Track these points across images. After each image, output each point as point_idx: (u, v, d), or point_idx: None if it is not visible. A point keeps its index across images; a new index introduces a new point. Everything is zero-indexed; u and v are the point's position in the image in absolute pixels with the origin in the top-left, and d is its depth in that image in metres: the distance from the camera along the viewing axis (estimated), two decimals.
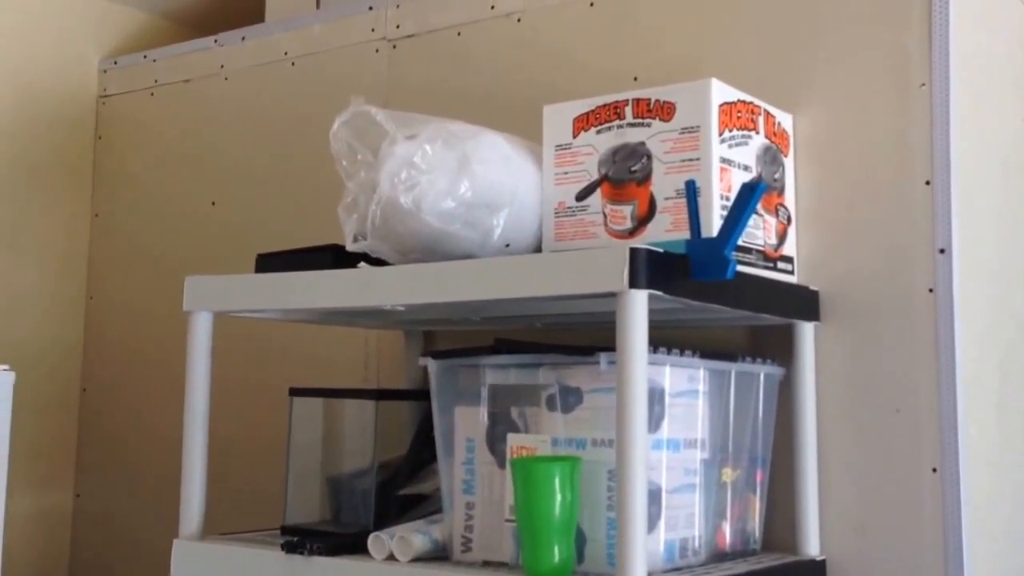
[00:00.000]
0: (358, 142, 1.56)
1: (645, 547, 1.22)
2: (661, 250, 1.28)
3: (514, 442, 1.42)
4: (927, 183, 1.52)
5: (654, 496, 1.34)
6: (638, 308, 1.24)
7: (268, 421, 2.07)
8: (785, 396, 1.57)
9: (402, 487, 1.68)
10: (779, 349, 1.58)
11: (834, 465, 1.55)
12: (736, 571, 1.42)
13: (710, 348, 1.49)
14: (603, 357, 1.34)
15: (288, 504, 1.73)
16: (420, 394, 1.81)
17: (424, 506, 1.64)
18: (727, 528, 1.49)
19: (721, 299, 1.37)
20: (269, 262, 1.69)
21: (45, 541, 2.51)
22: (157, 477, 2.36)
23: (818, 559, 1.53)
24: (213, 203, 2.36)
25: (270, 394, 2.08)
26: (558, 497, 1.28)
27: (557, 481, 1.29)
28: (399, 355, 2.00)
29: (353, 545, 1.49)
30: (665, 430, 1.38)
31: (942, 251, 1.49)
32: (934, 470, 1.47)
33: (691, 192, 1.35)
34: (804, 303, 1.56)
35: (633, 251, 1.24)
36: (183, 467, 1.63)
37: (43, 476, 2.52)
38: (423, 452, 1.72)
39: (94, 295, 2.60)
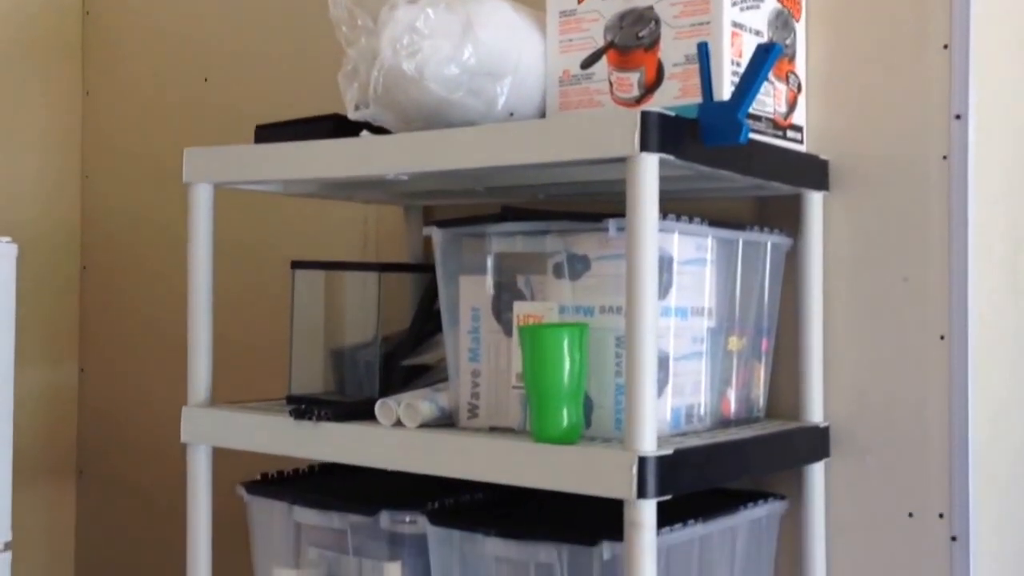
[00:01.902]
0: (358, 7, 1.51)
1: (654, 412, 1.23)
2: (673, 114, 1.25)
3: (520, 310, 1.42)
4: (944, 47, 1.48)
5: (661, 363, 1.34)
6: (649, 173, 1.22)
7: (270, 297, 2.06)
8: (792, 266, 1.57)
9: (405, 358, 1.68)
10: (787, 220, 1.57)
11: (839, 333, 1.55)
12: (741, 436, 1.43)
13: (718, 219, 1.47)
14: (612, 223, 1.33)
15: (293, 375, 1.74)
16: (423, 267, 1.80)
17: (428, 377, 1.65)
18: (732, 395, 1.50)
19: (732, 165, 1.35)
20: (268, 133, 1.66)
21: (52, 416, 2.54)
22: (162, 350, 2.37)
23: (822, 426, 1.55)
24: (206, 79, 2.31)
25: (271, 270, 2.07)
26: (566, 362, 1.28)
27: (565, 346, 1.29)
28: (399, 233, 1.99)
29: (360, 412, 1.50)
30: (673, 298, 1.38)
31: (958, 117, 1.47)
32: (941, 337, 1.47)
33: (703, 55, 1.31)
34: (814, 172, 1.54)
35: (644, 114, 1.22)
36: (189, 337, 1.63)
37: (48, 353, 2.53)
38: (426, 324, 1.72)
39: (89, 174, 2.57)
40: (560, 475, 1.27)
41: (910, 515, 1.50)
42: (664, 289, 1.36)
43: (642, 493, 1.20)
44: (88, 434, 2.58)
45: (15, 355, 1.96)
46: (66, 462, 2.57)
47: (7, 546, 1.89)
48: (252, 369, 2.05)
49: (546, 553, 1.36)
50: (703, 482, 1.35)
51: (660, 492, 1.21)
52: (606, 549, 1.30)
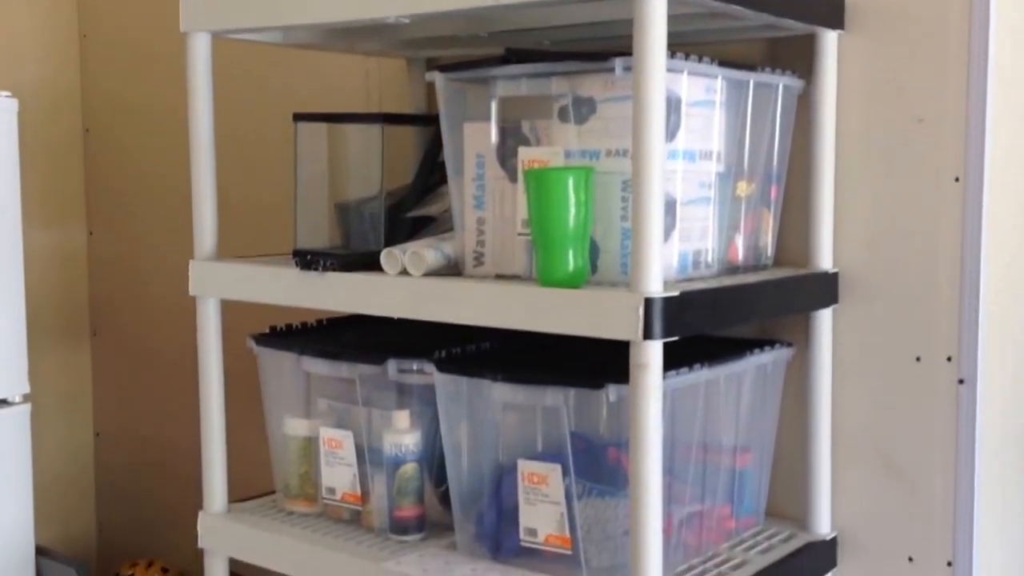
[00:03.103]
0: None
1: (660, 256, 1.21)
2: None
3: (526, 155, 1.39)
4: None
5: (669, 207, 1.32)
6: (656, 7, 1.18)
7: (274, 152, 2.04)
8: (804, 109, 1.53)
9: (410, 210, 1.67)
10: (799, 62, 1.53)
11: (851, 178, 1.52)
12: (748, 281, 1.42)
13: (728, 61, 1.43)
14: (618, 63, 1.29)
15: (298, 230, 1.72)
16: (426, 119, 1.77)
17: (433, 228, 1.63)
18: (740, 242, 1.48)
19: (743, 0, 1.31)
20: None
21: (63, 278, 2.55)
22: (167, 209, 2.36)
23: (831, 272, 1.53)
24: None
25: (274, 124, 2.04)
26: (572, 205, 1.27)
27: (571, 189, 1.26)
28: (402, 85, 1.95)
29: (366, 262, 1.49)
30: (681, 140, 1.35)
31: None
32: (956, 180, 1.45)
33: None
34: (829, 8, 1.49)
35: None
36: (193, 191, 1.62)
37: (55, 215, 2.53)
38: (430, 176, 1.70)
39: (87, 33, 2.52)
40: (566, 318, 1.27)
41: (917, 359, 1.49)
42: (672, 131, 1.33)
43: (648, 334, 1.19)
44: (100, 295, 2.59)
45: (23, 217, 1.96)
46: (80, 323, 2.59)
47: (25, 398, 1.93)
48: (258, 227, 2.04)
49: (552, 397, 1.36)
50: (709, 325, 1.34)
51: (666, 333, 1.20)
52: (612, 392, 1.30)
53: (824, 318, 1.53)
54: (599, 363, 1.34)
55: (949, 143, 1.45)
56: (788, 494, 1.60)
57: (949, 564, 1.48)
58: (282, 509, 1.68)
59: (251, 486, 1.75)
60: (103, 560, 2.57)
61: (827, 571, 1.56)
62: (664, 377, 1.23)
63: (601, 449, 1.39)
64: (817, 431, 1.55)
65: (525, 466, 1.40)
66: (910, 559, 1.52)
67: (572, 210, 1.27)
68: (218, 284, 1.63)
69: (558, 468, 1.38)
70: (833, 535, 1.56)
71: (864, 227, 1.52)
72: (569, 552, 1.38)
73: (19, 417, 1.92)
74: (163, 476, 2.48)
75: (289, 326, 1.74)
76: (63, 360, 2.55)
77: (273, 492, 1.73)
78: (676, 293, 1.23)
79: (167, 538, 2.44)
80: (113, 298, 2.57)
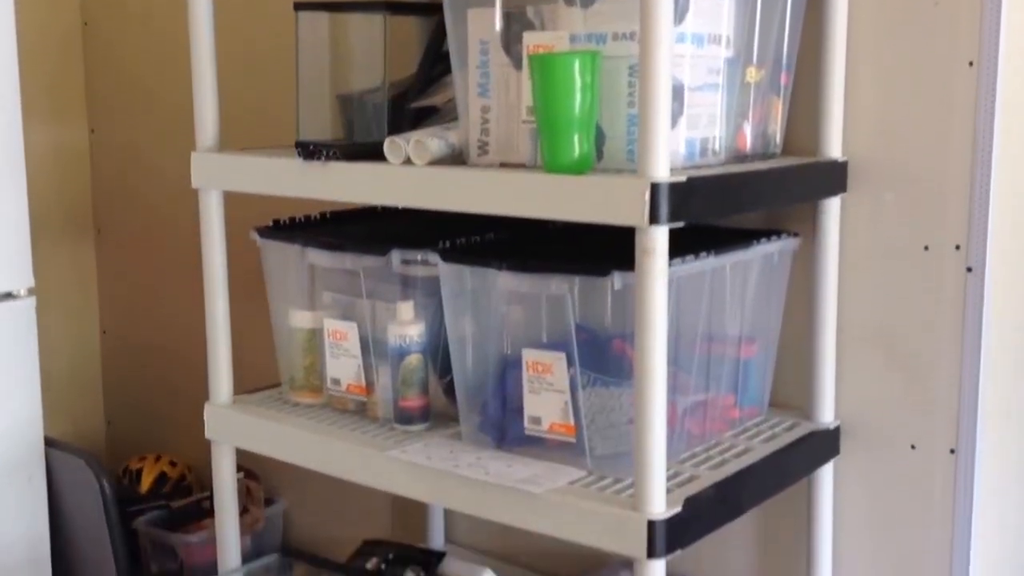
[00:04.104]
0: None
1: (667, 141, 1.19)
2: None
3: (530, 40, 1.36)
4: None
5: (676, 92, 1.30)
6: None
7: (275, 42, 2.00)
8: None
9: (414, 101, 1.64)
10: None
11: (863, 64, 1.49)
12: (756, 168, 1.40)
13: None
14: None
15: (300, 122, 1.70)
16: (430, 7, 1.72)
17: (436, 119, 1.61)
18: (748, 130, 1.46)
19: None
20: None
21: (66, 176, 2.54)
22: (167, 107, 2.33)
23: (840, 160, 1.51)
24: None
25: (274, 15, 2.00)
26: (577, 90, 1.24)
27: (576, 73, 1.24)
28: None
29: (369, 151, 1.47)
30: (689, 23, 1.32)
31: None
32: (970, 64, 1.41)
33: None
34: None
35: None
36: (194, 82, 1.60)
37: (56, 111, 2.50)
38: (434, 67, 1.67)
39: None
40: (572, 205, 1.26)
41: (926, 248, 1.48)
42: (680, 14, 1.29)
43: (654, 219, 1.18)
44: (102, 193, 2.58)
45: (23, 112, 1.94)
46: (83, 221, 2.59)
47: (30, 292, 1.93)
48: (260, 122, 2.02)
49: (557, 285, 1.35)
50: (716, 211, 1.33)
51: (672, 219, 1.19)
52: (617, 279, 1.29)
53: (832, 207, 1.52)
54: (604, 254, 1.33)
55: (964, 27, 1.42)
56: (792, 384, 1.60)
57: (952, 451, 1.49)
58: (287, 401, 1.69)
59: (256, 381, 1.76)
60: (112, 455, 2.61)
61: (829, 459, 1.57)
62: (670, 265, 1.22)
63: (605, 340, 1.39)
64: (822, 321, 1.54)
65: (529, 355, 1.40)
66: (912, 447, 1.53)
67: (577, 95, 1.24)
68: (220, 176, 1.61)
69: (562, 357, 1.38)
70: (836, 424, 1.57)
71: (875, 114, 1.50)
72: (573, 440, 1.39)
73: (25, 310, 1.93)
74: (170, 372, 2.49)
75: (292, 219, 1.73)
76: (67, 258, 2.55)
77: (278, 385, 1.74)
78: (683, 179, 1.21)
79: (175, 433, 2.46)
80: (116, 196, 2.56)
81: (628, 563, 1.70)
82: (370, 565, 1.75)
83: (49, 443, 2.00)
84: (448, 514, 2.01)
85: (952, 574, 1.52)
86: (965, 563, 1.51)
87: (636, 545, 1.24)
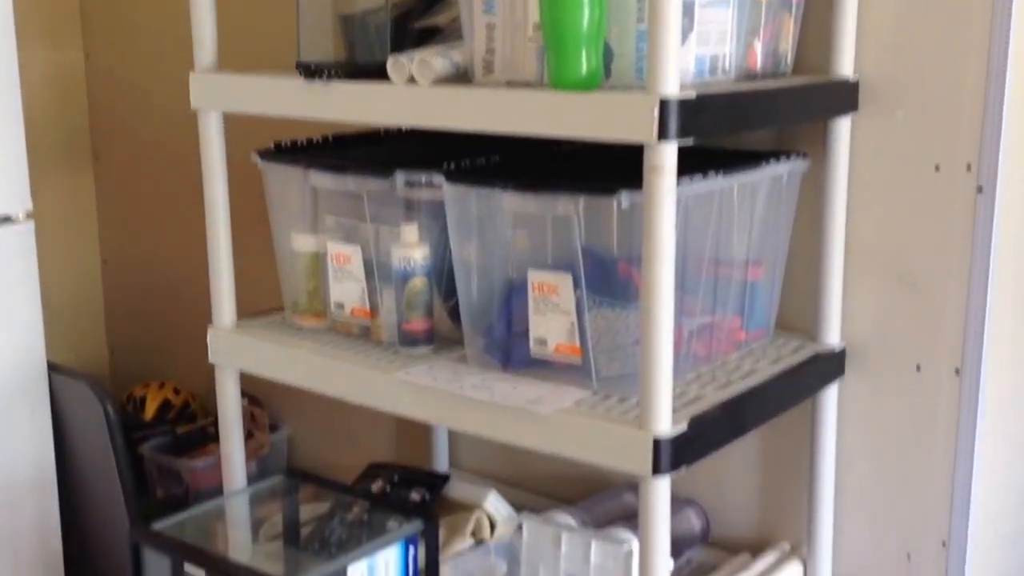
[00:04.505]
0: None
1: (677, 57, 1.17)
2: None
3: None
4: None
5: (687, 8, 1.27)
6: None
7: None
8: None
9: (417, 20, 1.61)
10: None
11: None
12: (766, 86, 1.38)
13: None
14: None
15: (301, 43, 1.67)
16: None
17: (440, 38, 1.58)
18: (759, 48, 1.43)
19: None
20: None
21: (62, 102, 2.51)
22: (164, 30, 2.30)
23: (851, 80, 1.49)
24: None
25: None
26: (585, 3, 1.21)
27: None
28: None
29: (372, 71, 1.45)
30: None
31: None
32: None
33: None
34: None
35: None
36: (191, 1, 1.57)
37: (51, 38, 2.47)
38: None
39: None
40: (579, 122, 1.24)
41: (936, 168, 1.47)
42: None
43: (663, 135, 1.16)
44: (100, 119, 2.55)
45: (17, 38, 1.90)
46: (81, 148, 2.56)
47: (29, 215, 1.92)
48: (260, 44, 1.98)
49: (564, 206, 1.34)
50: (725, 129, 1.31)
51: (682, 135, 1.18)
52: (624, 198, 1.28)
53: (842, 127, 1.50)
54: (611, 175, 1.31)
55: None
56: (798, 307, 1.60)
57: (957, 372, 1.49)
58: (291, 325, 1.69)
59: (259, 307, 1.75)
60: (116, 384, 2.61)
61: (834, 381, 1.57)
62: (678, 184, 1.21)
63: (612, 264, 1.38)
64: (830, 243, 1.53)
65: (535, 276, 1.40)
66: (918, 368, 1.53)
67: (586, 8, 1.22)
68: (219, 96, 1.59)
69: (568, 277, 1.37)
70: (842, 346, 1.57)
71: (888, 32, 1.47)
72: (579, 361, 1.39)
73: (24, 234, 1.91)
74: (172, 300, 2.49)
75: (294, 142, 1.71)
76: (66, 186, 2.53)
77: (281, 309, 1.73)
78: (692, 95, 1.19)
79: (178, 361, 2.46)
80: (113, 122, 2.53)
81: (632, 485, 1.72)
82: (375, 487, 1.76)
83: (52, 368, 2.00)
84: (452, 439, 2.02)
85: (954, 494, 1.53)
86: (967, 483, 1.51)
87: (641, 463, 1.25)
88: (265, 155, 1.65)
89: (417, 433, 2.03)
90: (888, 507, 1.59)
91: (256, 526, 1.70)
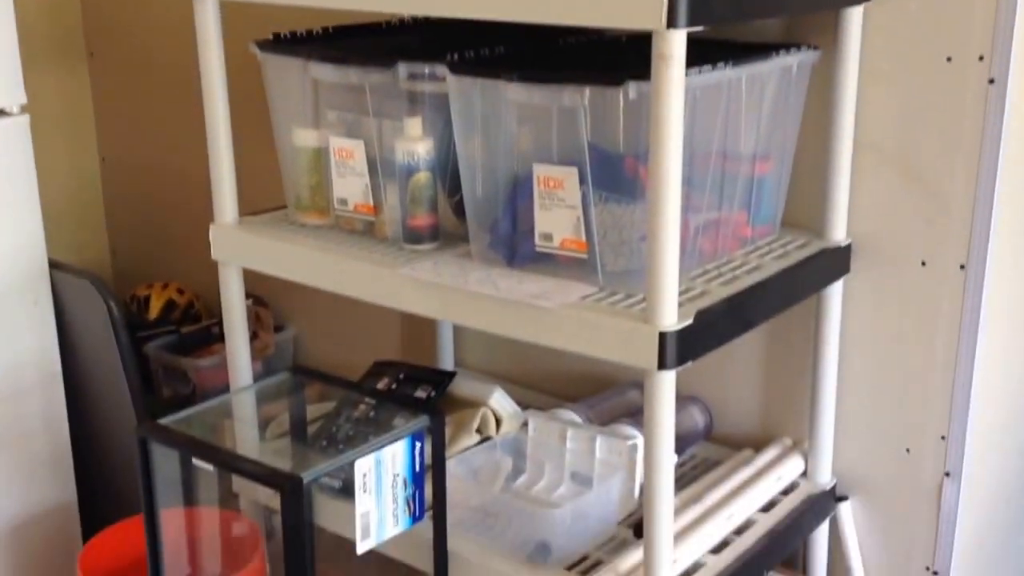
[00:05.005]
0: None
1: None
2: None
3: None
4: None
5: None
6: None
7: None
8: None
9: None
10: None
11: None
12: None
13: None
14: None
15: None
16: None
17: None
18: None
19: None
20: None
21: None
22: None
23: None
24: None
25: None
26: None
27: None
28: None
29: None
30: None
31: None
32: None
33: None
34: None
35: None
36: None
37: None
38: None
39: None
40: (587, 8, 1.20)
41: (948, 59, 1.44)
42: None
43: (672, 22, 1.13)
44: (93, 14, 2.51)
45: None
46: (75, 44, 2.52)
47: (23, 109, 1.89)
48: None
49: (570, 97, 1.32)
50: (736, 14, 1.29)
51: (691, 22, 1.15)
52: (632, 88, 1.26)
53: (854, 17, 1.47)
54: (617, 68, 1.29)
55: None
56: (805, 203, 1.59)
57: (962, 267, 1.49)
58: (293, 222, 1.68)
59: (261, 205, 1.74)
60: (119, 284, 2.61)
61: (840, 277, 1.57)
62: (686, 75, 1.18)
63: (618, 159, 1.36)
64: (839, 137, 1.52)
65: (541, 170, 1.38)
66: (923, 263, 1.52)
67: None
68: None
69: (574, 171, 1.35)
70: (848, 242, 1.56)
71: None
72: (585, 256, 1.38)
73: (19, 128, 1.89)
74: (174, 199, 2.47)
75: (294, 33, 1.67)
76: (61, 83, 2.50)
77: (284, 207, 1.72)
78: None
79: (181, 263, 2.46)
80: (107, 17, 2.48)
81: (637, 383, 1.73)
82: (381, 385, 1.77)
83: (54, 266, 1.99)
84: (457, 339, 2.03)
85: (955, 390, 1.54)
86: (968, 379, 1.52)
87: (647, 357, 1.25)
88: (264, 46, 1.62)
89: (422, 333, 2.04)
90: (889, 402, 1.60)
91: (263, 424, 1.71)
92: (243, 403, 1.70)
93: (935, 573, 1.60)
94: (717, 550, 1.49)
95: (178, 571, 1.70)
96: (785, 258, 1.50)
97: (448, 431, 1.64)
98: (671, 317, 1.25)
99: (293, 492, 1.29)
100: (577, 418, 1.68)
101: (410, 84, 1.49)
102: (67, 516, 2.03)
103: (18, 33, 1.86)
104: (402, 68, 1.47)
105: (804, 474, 1.67)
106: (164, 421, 1.47)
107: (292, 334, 2.31)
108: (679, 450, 1.58)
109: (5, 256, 1.90)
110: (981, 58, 1.41)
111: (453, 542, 1.49)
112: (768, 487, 1.61)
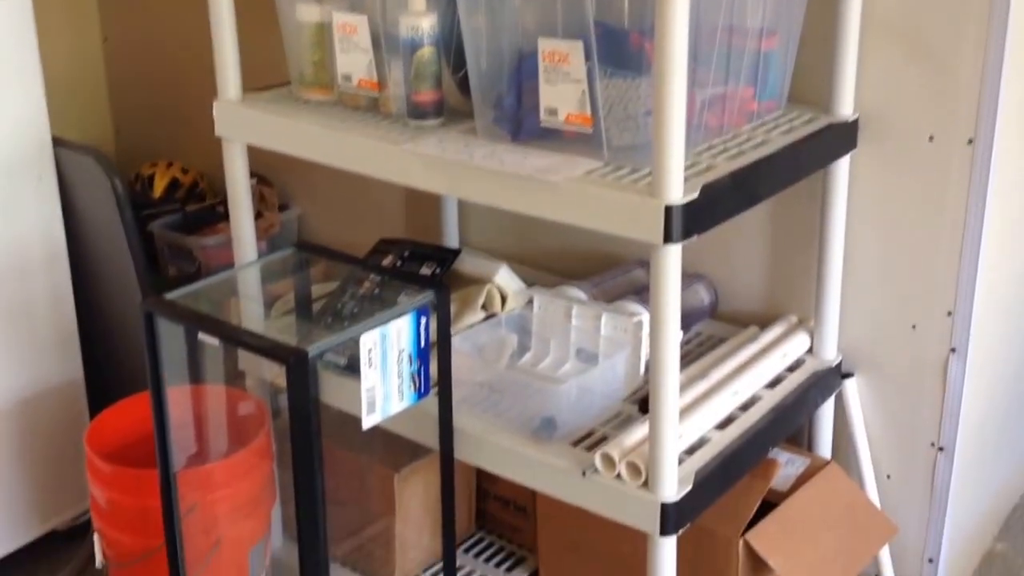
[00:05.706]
0: None
1: None
2: None
3: None
4: None
5: None
6: None
7: None
8: None
9: None
10: None
11: None
12: None
13: None
14: None
15: None
16: None
17: None
18: None
19: None
20: None
21: None
22: None
23: None
24: None
25: None
26: None
27: None
28: None
29: None
30: None
31: None
32: None
33: None
34: None
35: None
36: None
37: None
38: None
39: None
40: None
41: None
42: None
43: None
44: None
45: None
46: None
47: None
48: None
49: None
50: None
51: None
52: None
53: None
54: None
55: None
56: (812, 79, 1.57)
57: (970, 142, 1.48)
58: (297, 98, 1.66)
59: (264, 82, 1.72)
60: (122, 164, 2.59)
61: (847, 152, 1.56)
62: None
63: (624, 35, 1.34)
64: (846, 11, 1.49)
65: (546, 44, 1.36)
66: (931, 138, 1.51)
67: None
68: None
69: (579, 45, 1.33)
70: (855, 117, 1.55)
71: None
72: (589, 131, 1.37)
73: (22, 7, 1.85)
74: (176, 78, 2.44)
75: None
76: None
77: (287, 83, 1.70)
78: None
79: (185, 142, 2.44)
80: None
81: (642, 262, 1.73)
82: (386, 262, 1.78)
83: (57, 143, 1.97)
84: (462, 217, 2.03)
85: (961, 265, 1.54)
86: (975, 254, 1.52)
87: (653, 230, 1.25)
88: None
89: (427, 211, 2.04)
90: (895, 278, 1.60)
91: (268, 303, 1.72)
92: (248, 280, 1.70)
93: (940, 449, 1.63)
94: (722, 426, 1.50)
95: (184, 448, 1.72)
96: (791, 133, 1.49)
97: (453, 308, 1.65)
98: (677, 191, 1.24)
99: (298, 366, 1.30)
100: (582, 295, 1.69)
101: None
102: (74, 393, 2.06)
103: None
104: None
105: (810, 351, 1.68)
106: (170, 296, 1.48)
107: (296, 213, 2.31)
108: (685, 327, 1.58)
109: (9, 133, 1.88)
110: None
111: (458, 418, 1.51)
112: (773, 364, 1.62)
